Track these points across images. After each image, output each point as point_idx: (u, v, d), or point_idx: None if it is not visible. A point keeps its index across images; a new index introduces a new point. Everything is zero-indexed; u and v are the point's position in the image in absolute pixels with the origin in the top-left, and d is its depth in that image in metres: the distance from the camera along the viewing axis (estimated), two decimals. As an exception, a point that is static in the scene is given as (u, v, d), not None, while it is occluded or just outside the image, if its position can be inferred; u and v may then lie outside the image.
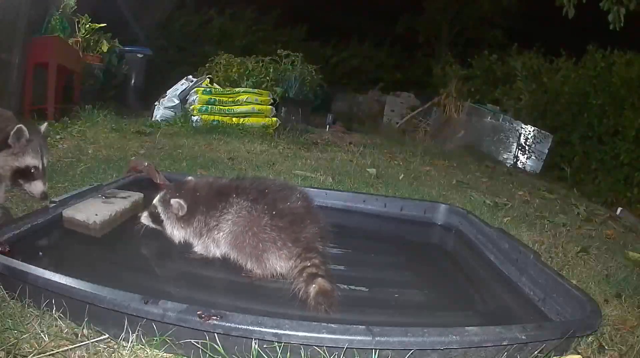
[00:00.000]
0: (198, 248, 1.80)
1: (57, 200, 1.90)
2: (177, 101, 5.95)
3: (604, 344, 1.48)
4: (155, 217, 1.83)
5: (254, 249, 1.65)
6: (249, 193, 1.72)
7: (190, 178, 1.95)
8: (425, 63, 13.21)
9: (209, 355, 1.14)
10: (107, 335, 1.20)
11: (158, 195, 1.86)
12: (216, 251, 1.76)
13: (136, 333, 1.19)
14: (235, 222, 1.68)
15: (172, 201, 1.76)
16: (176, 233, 1.81)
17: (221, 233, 1.71)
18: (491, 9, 13.32)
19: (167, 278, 1.74)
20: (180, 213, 1.76)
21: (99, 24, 6.20)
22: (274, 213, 1.66)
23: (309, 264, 1.56)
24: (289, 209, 1.70)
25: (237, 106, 5.70)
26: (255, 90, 6.09)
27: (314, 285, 1.48)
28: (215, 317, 1.11)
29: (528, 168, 6.94)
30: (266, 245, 1.63)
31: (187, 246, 1.82)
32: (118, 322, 1.19)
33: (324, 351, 1.12)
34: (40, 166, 2.03)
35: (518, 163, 7.12)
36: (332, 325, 1.12)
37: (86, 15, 6.04)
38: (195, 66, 7.97)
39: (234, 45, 10.68)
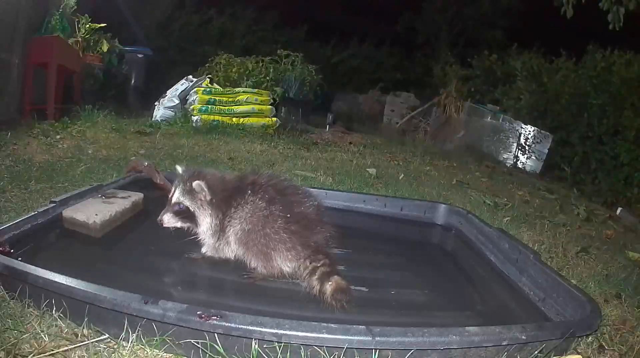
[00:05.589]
0: (209, 247, 1.78)
1: (57, 200, 1.90)
2: (177, 101, 5.95)
3: (604, 344, 1.48)
4: (182, 212, 1.72)
5: (263, 247, 1.64)
6: (265, 191, 1.70)
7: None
8: (425, 63, 13.20)
9: (209, 355, 1.14)
10: (107, 335, 1.20)
11: (175, 192, 1.74)
12: (228, 252, 1.75)
13: (136, 333, 1.19)
14: (249, 221, 1.68)
15: (195, 184, 1.68)
16: (209, 219, 1.72)
17: (232, 229, 1.70)
18: (491, 9, 13.34)
19: (167, 278, 1.73)
20: (206, 197, 1.69)
21: (99, 24, 6.21)
22: (288, 215, 1.65)
23: (320, 264, 1.57)
24: (303, 214, 1.69)
25: (237, 106, 5.70)
26: (255, 90, 6.10)
27: (330, 283, 1.49)
28: (215, 317, 1.11)
29: (528, 168, 6.93)
30: (275, 245, 1.64)
31: (187, 246, 1.82)
32: (118, 322, 1.19)
33: (324, 351, 1.12)
34: None
35: (518, 163, 7.12)
36: (332, 325, 1.12)
37: (86, 15, 6.05)
38: (195, 66, 7.99)
39: (234, 45, 10.69)
